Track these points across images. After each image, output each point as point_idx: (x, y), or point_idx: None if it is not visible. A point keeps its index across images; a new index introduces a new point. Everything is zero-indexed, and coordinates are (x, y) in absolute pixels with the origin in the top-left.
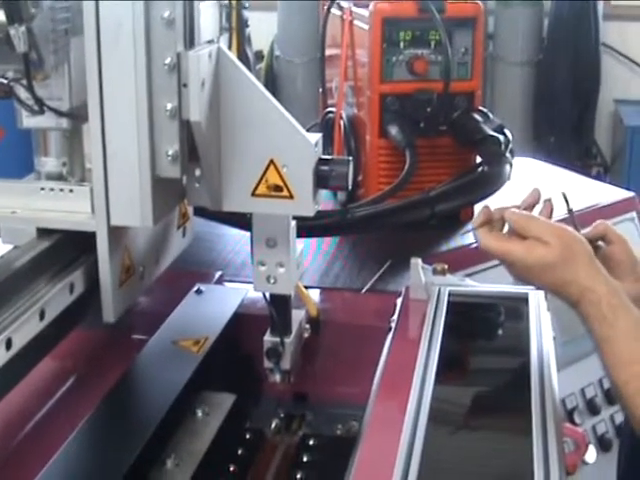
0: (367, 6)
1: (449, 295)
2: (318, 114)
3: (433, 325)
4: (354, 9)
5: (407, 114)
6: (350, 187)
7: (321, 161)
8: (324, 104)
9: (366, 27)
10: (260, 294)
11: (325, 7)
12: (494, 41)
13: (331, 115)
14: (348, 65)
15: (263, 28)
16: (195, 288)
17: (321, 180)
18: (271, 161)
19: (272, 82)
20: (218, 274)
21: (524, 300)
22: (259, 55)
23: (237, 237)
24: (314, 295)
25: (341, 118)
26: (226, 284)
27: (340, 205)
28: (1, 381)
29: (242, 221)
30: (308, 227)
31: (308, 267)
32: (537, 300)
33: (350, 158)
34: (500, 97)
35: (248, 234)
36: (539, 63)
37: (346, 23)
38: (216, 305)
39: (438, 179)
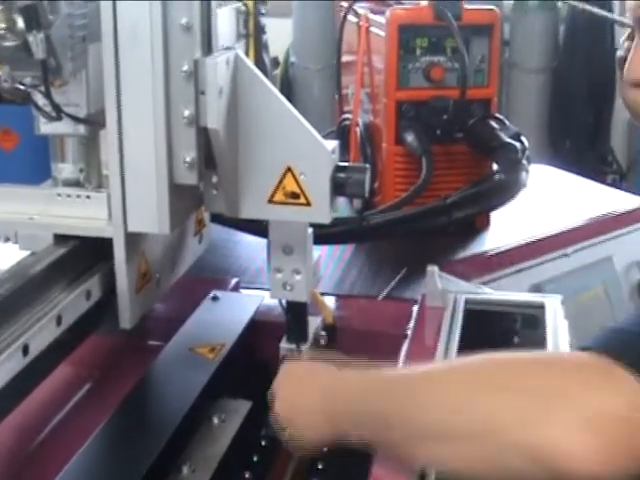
0: (383, 13)
1: (465, 303)
2: (334, 121)
3: (449, 333)
4: (370, 16)
5: (423, 121)
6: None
7: (338, 168)
8: (340, 111)
9: (382, 34)
10: (276, 301)
11: (342, 14)
12: (509, 48)
13: (347, 122)
14: (364, 72)
15: (279, 34)
16: (211, 295)
17: (338, 187)
18: (288, 168)
19: (287, 89)
20: (234, 281)
21: (541, 307)
22: (275, 61)
23: (253, 244)
24: (330, 302)
25: (357, 125)
26: (242, 291)
27: (356, 212)
28: (18, 386)
29: (258, 228)
30: (325, 234)
31: (324, 274)
32: (554, 307)
33: (367, 165)
34: (515, 104)
35: (264, 241)
36: (555, 70)
37: (362, 30)
38: (232, 312)
39: (454, 186)
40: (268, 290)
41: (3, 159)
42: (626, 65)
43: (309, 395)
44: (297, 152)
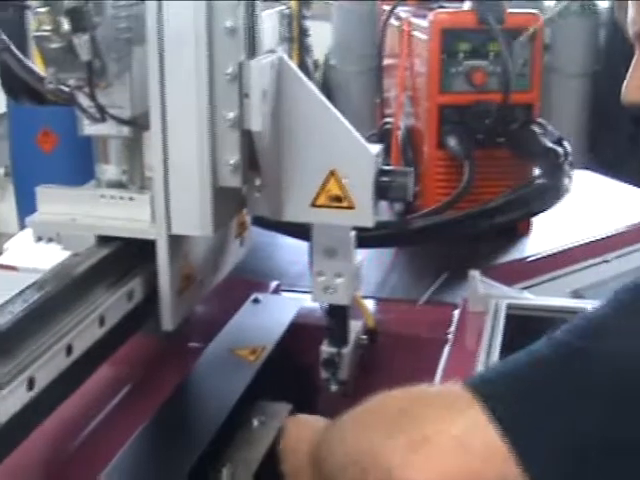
0: (425, 17)
1: (507, 308)
2: (373, 124)
3: (491, 338)
4: (413, 19)
5: (465, 125)
6: None
7: (381, 172)
8: (381, 114)
9: (425, 38)
10: (317, 304)
11: (383, 17)
12: (550, 52)
13: (388, 125)
14: (405, 75)
15: (318, 37)
16: (252, 297)
17: (381, 191)
18: (332, 172)
19: (327, 91)
20: (275, 283)
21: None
22: (315, 64)
23: (294, 247)
24: (370, 306)
25: (398, 129)
26: (283, 294)
27: (397, 216)
28: (61, 386)
29: (300, 231)
30: (367, 238)
31: (365, 278)
32: None
33: (411, 169)
34: (556, 109)
35: (305, 244)
36: (595, 74)
37: (404, 33)
38: (273, 314)
39: (495, 191)
40: (309, 293)
41: (43, 160)
42: (624, 85)
43: (303, 452)
44: (341, 156)
